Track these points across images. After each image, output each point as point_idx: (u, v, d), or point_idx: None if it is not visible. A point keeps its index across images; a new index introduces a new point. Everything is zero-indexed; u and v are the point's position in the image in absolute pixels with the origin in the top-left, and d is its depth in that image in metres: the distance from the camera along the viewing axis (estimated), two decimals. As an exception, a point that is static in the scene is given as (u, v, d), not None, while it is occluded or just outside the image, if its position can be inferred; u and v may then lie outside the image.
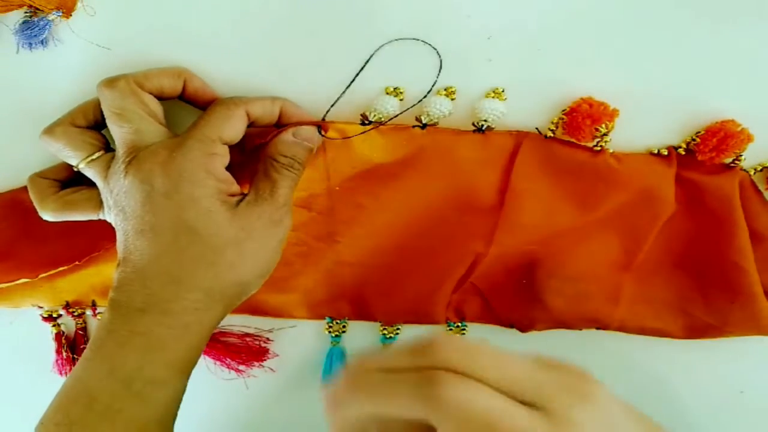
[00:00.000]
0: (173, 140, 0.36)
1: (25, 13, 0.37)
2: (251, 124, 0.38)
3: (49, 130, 0.37)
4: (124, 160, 0.36)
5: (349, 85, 0.39)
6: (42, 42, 0.38)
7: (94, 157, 0.37)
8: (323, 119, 0.39)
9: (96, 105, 0.38)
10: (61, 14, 0.37)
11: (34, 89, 0.39)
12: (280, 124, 0.39)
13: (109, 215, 0.37)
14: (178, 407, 0.37)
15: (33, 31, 0.37)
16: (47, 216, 0.39)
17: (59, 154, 0.38)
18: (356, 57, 0.39)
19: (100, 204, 0.38)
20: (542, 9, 0.38)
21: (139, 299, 0.35)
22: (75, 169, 0.38)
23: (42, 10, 0.37)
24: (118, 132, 0.36)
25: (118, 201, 0.36)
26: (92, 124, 0.38)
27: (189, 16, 0.38)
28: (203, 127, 0.36)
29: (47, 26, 0.37)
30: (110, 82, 0.36)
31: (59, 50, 0.38)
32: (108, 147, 0.39)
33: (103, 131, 0.39)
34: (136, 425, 0.34)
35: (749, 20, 0.38)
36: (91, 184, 0.39)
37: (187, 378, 0.37)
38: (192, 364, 0.37)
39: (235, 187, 0.37)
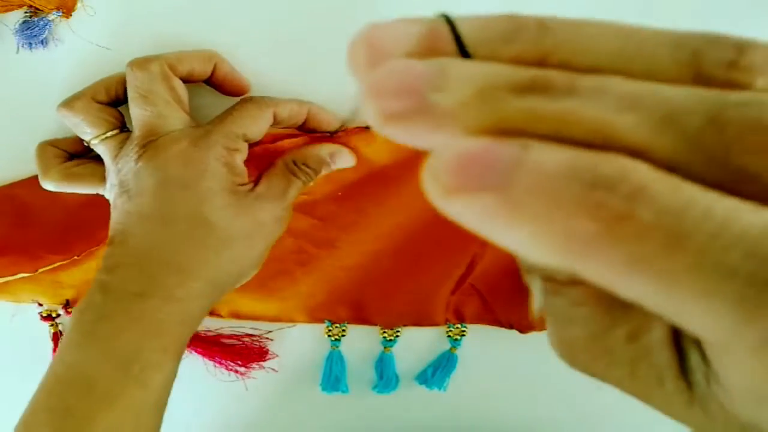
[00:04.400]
0: (197, 130, 0.37)
1: (25, 13, 0.38)
2: (273, 125, 0.39)
3: (69, 104, 0.38)
4: (139, 143, 0.36)
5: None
6: (42, 42, 0.38)
7: (108, 134, 0.38)
8: (335, 132, 0.41)
9: (120, 82, 0.38)
10: (61, 14, 0.38)
11: (34, 89, 0.40)
12: (305, 128, 0.41)
13: (108, 192, 0.38)
14: (170, 391, 0.37)
15: (33, 31, 0.38)
16: (49, 185, 0.40)
17: (74, 128, 0.38)
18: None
19: (102, 179, 0.39)
20: (543, 9, 0.39)
21: (138, 284, 0.35)
22: (86, 144, 0.39)
23: (42, 10, 0.38)
24: (139, 114, 0.36)
25: (124, 182, 0.36)
26: (113, 100, 0.39)
27: (189, 15, 0.39)
28: (231, 123, 0.37)
29: (47, 26, 0.38)
30: (143, 64, 0.36)
31: (59, 50, 0.39)
32: (123, 126, 0.39)
33: (120, 108, 0.39)
34: (134, 409, 0.34)
35: (749, 20, 0.39)
36: (97, 161, 0.39)
37: (180, 360, 0.38)
38: (185, 346, 0.38)
39: (246, 178, 0.38)
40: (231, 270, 0.37)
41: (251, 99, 0.38)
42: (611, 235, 0.10)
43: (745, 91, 0.12)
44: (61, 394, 0.34)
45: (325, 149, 0.40)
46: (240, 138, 0.37)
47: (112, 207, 0.37)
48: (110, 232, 0.37)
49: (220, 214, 0.36)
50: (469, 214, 0.12)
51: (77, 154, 0.41)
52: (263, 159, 0.40)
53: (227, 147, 0.36)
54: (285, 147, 0.41)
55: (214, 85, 0.40)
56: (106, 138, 0.38)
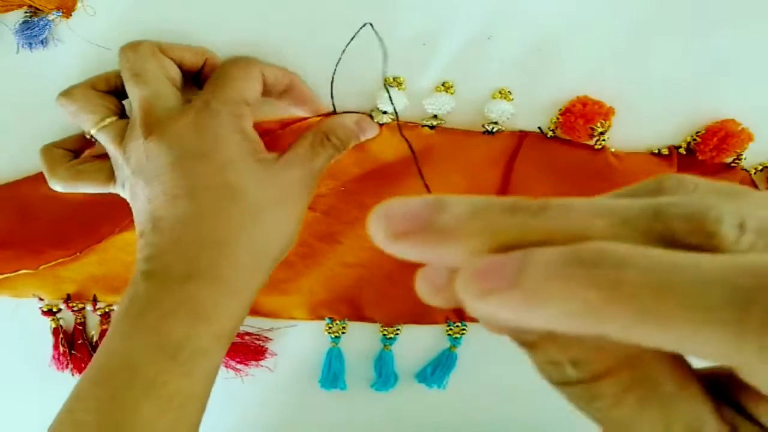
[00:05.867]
0: (194, 104, 0.36)
1: (25, 13, 0.39)
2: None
3: (68, 91, 0.38)
4: (142, 123, 0.36)
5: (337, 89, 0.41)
6: (42, 42, 0.39)
7: (106, 122, 0.38)
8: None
9: (119, 74, 0.38)
10: (61, 14, 0.39)
11: (34, 89, 0.41)
12: (287, 97, 0.41)
13: (121, 187, 0.38)
14: (214, 382, 0.37)
15: (33, 31, 0.39)
16: (57, 186, 0.40)
17: (74, 117, 0.38)
18: (355, 54, 0.40)
19: (111, 176, 0.39)
20: (543, 8, 0.40)
21: (181, 267, 0.34)
22: (88, 137, 0.39)
23: (42, 10, 0.38)
24: (136, 94, 0.36)
25: (138, 167, 0.36)
26: (112, 90, 0.39)
27: (189, 16, 0.39)
28: (224, 88, 0.36)
29: (47, 26, 0.39)
30: (133, 44, 0.37)
31: (59, 50, 0.40)
32: (123, 114, 0.39)
33: (123, 101, 0.40)
34: (179, 398, 0.34)
35: (749, 20, 0.40)
36: (104, 159, 0.40)
37: (227, 348, 0.37)
38: (234, 332, 0.37)
39: (263, 147, 0.38)
40: (272, 239, 0.37)
41: (233, 62, 0.38)
42: (614, 297, 0.13)
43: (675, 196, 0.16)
44: (107, 383, 0.33)
45: (350, 117, 0.40)
46: (241, 103, 0.37)
47: (131, 198, 0.37)
48: (138, 226, 0.37)
49: (245, 181, 0.36)
50: (505, 310, 0.14)
51: (81, 153, 0.42)
52: (280, 141, 0.41)
53: (232, 113, 0.36)
54: (302, 128, 0.41)
55: (204, 81, 0.40)
56: (106, 125, 0.38)
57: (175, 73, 0.38)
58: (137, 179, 0.36)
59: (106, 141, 0.38)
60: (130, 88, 0.37)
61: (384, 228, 0.17)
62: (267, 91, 0.39)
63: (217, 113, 0.36)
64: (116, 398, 0.33)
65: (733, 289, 0.12)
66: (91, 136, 0.39)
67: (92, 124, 0.38)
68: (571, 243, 0.14)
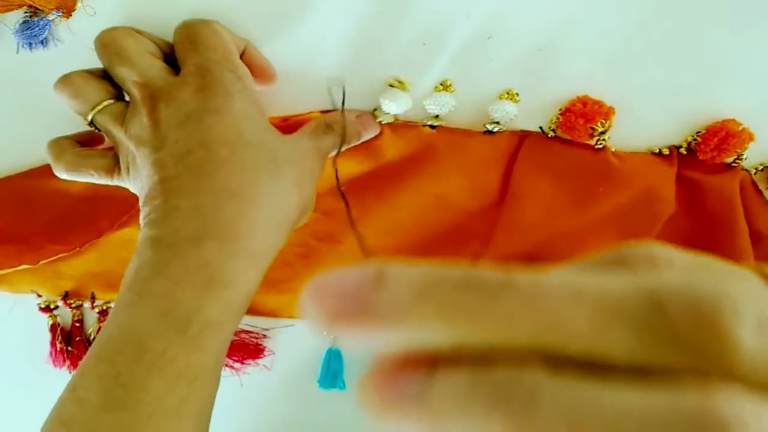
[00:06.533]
0: (188, 70, 0.35)
1: (25, 13, 0.39)
2: None
3: (65, 76, 0.37)
4: (143, 99, 0.35)
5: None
6: (42, 42, 0.40)
7: (105, 103, 0.37)
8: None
9: None
10: (61, 14, 0.39)
11: (34, 89, 0.41)
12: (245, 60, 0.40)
13: (126, 172, 0.37)
14: (224, 357, 0.35)
15: (33, 31, 0.39)
16: (61, 172, 0.38)
17: (72, 100, 0.37)
18: (352, 54, 0.41)
19: (115, 165, 0.37)
20: (544, 8, 0.40)
21: (192, 226, 0.32)
22: (87, 122, 0.38)
23: (42, 10, 0.39)
24: (124, 74, 0.35)
25: (145, 138, 0.34)
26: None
27: (188, 17, 0.39)
28: (210, 51, 0.36)
29: (47, 26, 0.39)
30: (106, 31, 0.36)
31: (59, 50, 0.40)
32: (121, 98, 0.38)
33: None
34: (188, 376, 0.32)
35: (749, 20, 0.40)
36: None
37: (239, 321, 0.35)
38: (246, 305, 0.35)
39: (267, 118, 0.37)
40: (292, 198, 0.36)
41: (195, 27, 0.37)
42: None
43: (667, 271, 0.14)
44: (112, 359, 0.31)
45: (351, 113, 0.41)
46: (232, 61, 0.36)
47: (135, 177, 0.36)
48: (143, 195, 0.35)
49: (261, 135, 0.35)
50: (406, 423, 0.14)
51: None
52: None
53: (234, 73, 0.36)
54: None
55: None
56: (104, 107, 0.37)
57: (155, 49, 0.37)
58: (142, 150, 0.34)
59: (106, 123, 0.37)
60: (116, 71, 0.36)
61: (317, 310, 0.14)
62: None
63: (220, 73, 0.35)
64: (121, 375, 0.31)
65: None
66: (91, 122, 0.38)
67: (90, 106, 0.37)
68: (539, 340, 0.13)
